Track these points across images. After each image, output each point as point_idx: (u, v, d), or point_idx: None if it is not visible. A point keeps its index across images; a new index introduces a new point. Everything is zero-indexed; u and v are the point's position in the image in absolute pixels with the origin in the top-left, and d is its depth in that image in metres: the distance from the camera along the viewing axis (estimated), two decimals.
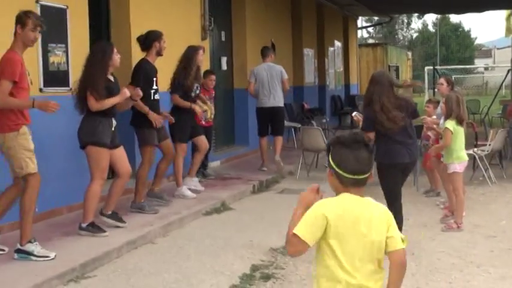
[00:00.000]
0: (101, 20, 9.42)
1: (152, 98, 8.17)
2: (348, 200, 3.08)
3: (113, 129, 7.06)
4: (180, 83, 8.94)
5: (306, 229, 3.01)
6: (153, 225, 7.38)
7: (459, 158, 7.81)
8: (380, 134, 6.59)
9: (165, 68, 8.67)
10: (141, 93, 7.52)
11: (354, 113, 7.00)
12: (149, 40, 8.21)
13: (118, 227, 7.21)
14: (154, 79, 8.20)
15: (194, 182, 9.51)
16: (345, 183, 3.09)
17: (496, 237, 7.42)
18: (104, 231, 6.93)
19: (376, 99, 6.56)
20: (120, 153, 7.18)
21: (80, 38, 8.14)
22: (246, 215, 8.56)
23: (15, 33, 6.01)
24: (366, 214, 3.06)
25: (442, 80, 9.12)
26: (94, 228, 6.91)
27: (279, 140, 11.66)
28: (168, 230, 7.48)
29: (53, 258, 6.01)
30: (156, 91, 8.25)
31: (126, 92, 7.10)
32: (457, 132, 7.67)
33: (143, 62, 8.20)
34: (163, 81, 8.66)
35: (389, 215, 3.14)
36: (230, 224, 7.98)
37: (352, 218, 3.04)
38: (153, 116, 7.98)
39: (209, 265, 6.29)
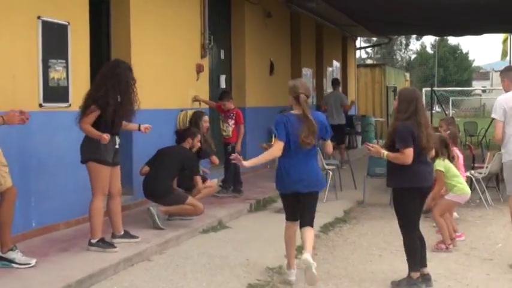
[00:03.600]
0: (101, 37, 9.47)
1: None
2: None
3: (117, 146, 7.07)
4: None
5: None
6: (150, 243, 7.37)
7: (460, 190, 8.00)
8: None
9: (167, 84, 8.68)
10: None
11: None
12: (183, 135, 8.81)
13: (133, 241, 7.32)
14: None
15: None
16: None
17: (493, 260, 7.43)
18: (114, 247, 6.96)
19: (420, 114, 6.21)
20: (115, 172, 7.16)
21: (80, 54, 8.18)
22: (242, 233, 8.55)
23: None
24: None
25: (441, 123, 9.51)
26: (104, 244, 6.94)
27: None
28: (164, 248, 7.47)
29: (33, 265, 6.11)
30: None
31: (106, 139, 6.73)
32: (448, 168, 7.92)
33: (181, 150, 8.69)
34: (168, 96, 8.68)
35: None
36: (227, 243, 7.96)
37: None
38: None
39: (205, 284, 6.28)
